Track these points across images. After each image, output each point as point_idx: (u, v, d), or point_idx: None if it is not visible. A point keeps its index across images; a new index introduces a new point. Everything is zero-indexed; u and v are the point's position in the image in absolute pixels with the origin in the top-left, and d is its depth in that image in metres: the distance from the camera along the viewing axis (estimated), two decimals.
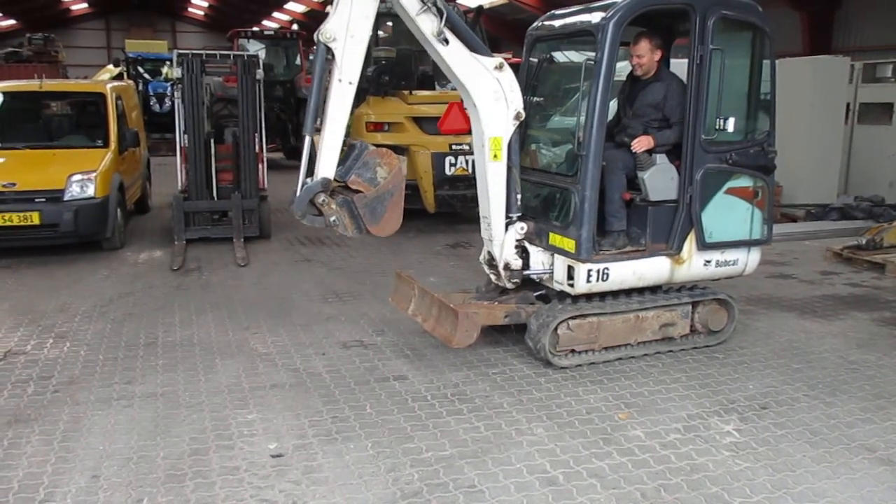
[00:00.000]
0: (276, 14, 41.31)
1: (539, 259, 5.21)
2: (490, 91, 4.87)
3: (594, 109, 4.73)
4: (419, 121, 9.19)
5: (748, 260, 5.42)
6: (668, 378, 4.87)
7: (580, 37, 5.29)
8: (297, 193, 4.44)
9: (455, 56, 4.75)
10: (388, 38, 11.78)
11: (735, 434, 4.10)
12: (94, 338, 5.56)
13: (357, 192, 4.53)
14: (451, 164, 9.00)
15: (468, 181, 9.21)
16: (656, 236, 5.08)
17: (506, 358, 5.18)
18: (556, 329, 4.92)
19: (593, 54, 4.79)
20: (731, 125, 4.97)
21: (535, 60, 5.58)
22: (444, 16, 4.59)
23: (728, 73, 4.96)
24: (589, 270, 4.91)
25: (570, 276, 4.98)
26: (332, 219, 4.49)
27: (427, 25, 4.63)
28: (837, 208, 10.50)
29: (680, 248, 5.11)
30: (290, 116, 16.57)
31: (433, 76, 10.83)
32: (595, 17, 4.86)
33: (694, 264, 5.19)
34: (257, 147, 8.86)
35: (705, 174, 5.04)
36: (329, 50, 4.40)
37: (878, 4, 15.54)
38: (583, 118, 4.83)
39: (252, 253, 8.33)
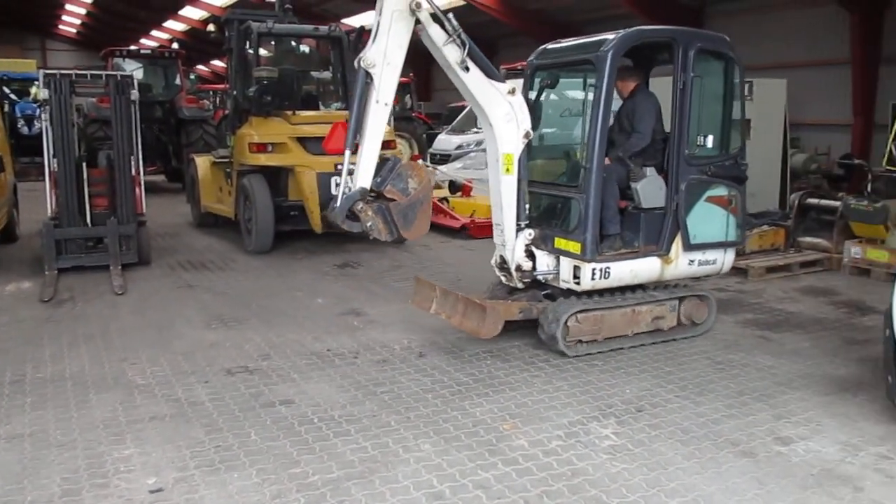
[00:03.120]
0: (155, 32, 39.95)
1: (545, 261, 5.76)
2: (503, 113, 5.50)
3: (596, 127, 5.36)
4: (303, 141, 9.11)
5: (725, 259, 6.09)
6: (551, 387, 5.03)
7: (581, 66, 6.01)
8: (338, 202, 4.97)
9: (474, 82, 5.38)
10: (271, 57, 11.61)
11: (613, 437, 4.29)
12: None
13: (391, 200, 5.05)
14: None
15: None
16: (648, 239, 5.73)
17: (394, 376, 5.21)
18: (566, 322, 5.42)
19: (593, 80, 5.54)
20: (709, 141, 5.78)
21: (538, 86, 6.11)
22: (468, 46, 5.24)
23: (706, 97, 5.71)
24: (593, 269, 5.49)
25: (576, 275, 5.57)
26: (368, 224, 5.01)
27: (452, 54, 5.26)
28: None
29: (669, 249, 5.74)
30: (171, 137, 15.93)
31: (317, 96, 10.77)
32: (594, 49, 5.50)
33: (680, 263, 5.83)
34: (133, 170, 8.53)
35: (689, 184, 5.71)
36: (368, 74, 4.97)
37: None
38: (586, 135, 5.48)
39: (131, 280, 8.00)
